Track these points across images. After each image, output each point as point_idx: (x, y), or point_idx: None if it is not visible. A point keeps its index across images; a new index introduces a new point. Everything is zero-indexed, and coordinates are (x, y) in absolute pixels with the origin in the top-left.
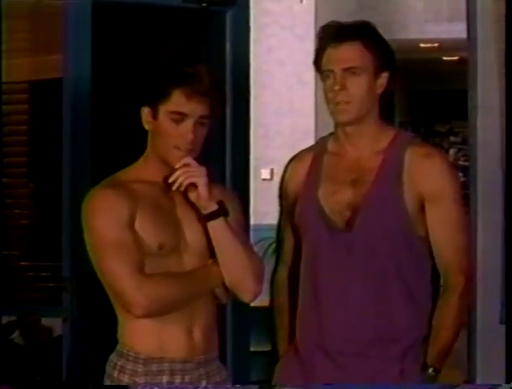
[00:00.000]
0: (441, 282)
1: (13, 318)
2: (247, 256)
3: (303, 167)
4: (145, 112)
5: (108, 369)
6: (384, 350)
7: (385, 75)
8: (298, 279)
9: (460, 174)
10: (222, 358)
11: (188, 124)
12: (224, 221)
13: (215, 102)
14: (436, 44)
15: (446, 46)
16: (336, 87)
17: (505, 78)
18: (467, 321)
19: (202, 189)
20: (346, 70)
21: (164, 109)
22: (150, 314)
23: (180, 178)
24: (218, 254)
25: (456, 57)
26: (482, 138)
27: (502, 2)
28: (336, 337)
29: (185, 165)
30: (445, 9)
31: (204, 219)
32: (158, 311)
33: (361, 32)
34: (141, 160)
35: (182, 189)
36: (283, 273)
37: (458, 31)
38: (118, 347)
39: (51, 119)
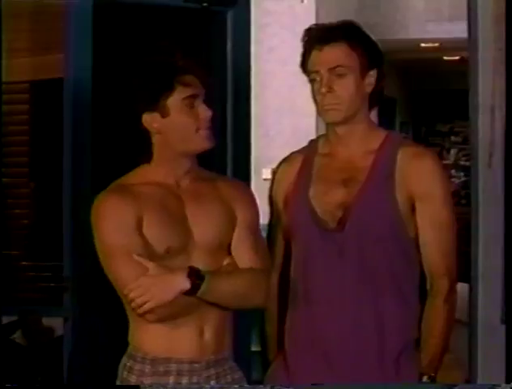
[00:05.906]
0: (427, 285)
1: (14, 318)
2: (247, 282)
3: (293, 169)
4: (147, 119)
5: (119, 370)
6: (378, 350)
7: (372, 74)
8: (289, 283)
9: (461, 174)
10: None
11: (200, 103)
12: (206, 284)
13: (203, 76)
14: (437, 44)
15: (447, 46)
16: (323, 90)
17: (506, 78)
18: (464, 322)
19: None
20: (332, 70)
21: (175, 101)
22: (161, 319)
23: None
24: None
25: (457, 57)
26: (483, 138)
27: (503, 1)
28: (329, 337)
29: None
30: (446, 9)
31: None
32: (168, 315)
33: (345, 33)
34: (146, 164)
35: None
36: (273, 278)
37: (459, 30)
38: (129, 349)
39: (52, 119)
